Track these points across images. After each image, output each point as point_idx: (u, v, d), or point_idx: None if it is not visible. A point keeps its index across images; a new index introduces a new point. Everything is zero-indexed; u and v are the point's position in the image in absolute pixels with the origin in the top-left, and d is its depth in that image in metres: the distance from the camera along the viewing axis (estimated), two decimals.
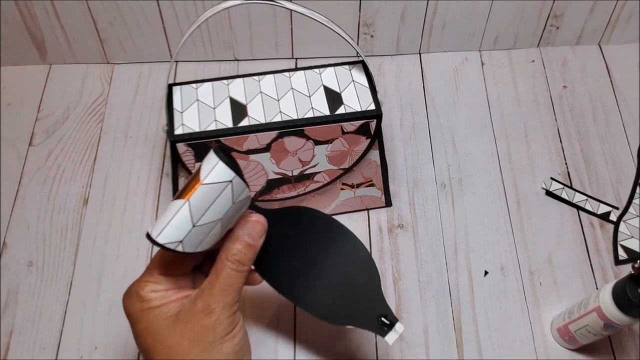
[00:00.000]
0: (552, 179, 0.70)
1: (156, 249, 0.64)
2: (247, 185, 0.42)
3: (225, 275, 0.43)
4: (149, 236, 0.41)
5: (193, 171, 0.42)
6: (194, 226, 0.41)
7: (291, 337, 0.60)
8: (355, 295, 0.48)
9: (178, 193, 0.42)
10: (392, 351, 0.59)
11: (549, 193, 0.69)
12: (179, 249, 0.41)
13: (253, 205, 0.46)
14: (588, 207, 0.68)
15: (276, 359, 0.59)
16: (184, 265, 0.45)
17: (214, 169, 0.41)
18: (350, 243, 0.48)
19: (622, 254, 0.65)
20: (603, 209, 0.68)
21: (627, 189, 0.70)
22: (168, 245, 0.41)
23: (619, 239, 0.66)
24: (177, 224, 0.41)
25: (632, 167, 0.71)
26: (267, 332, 0.60)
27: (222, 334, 0.43)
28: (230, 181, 0.41)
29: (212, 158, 0.41)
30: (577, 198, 0.68)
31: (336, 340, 0.60)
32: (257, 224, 0.45)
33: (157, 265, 0.44)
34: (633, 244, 0.66)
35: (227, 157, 0.41)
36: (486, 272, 0.64)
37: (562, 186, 0.69)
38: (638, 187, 0.69)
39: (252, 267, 0.47)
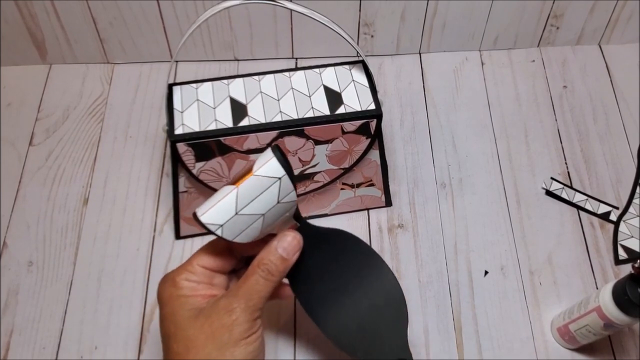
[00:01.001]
0: (552, 178, 0.70)
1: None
2: (295, 189, 0.43)
3: (253, 280, 0.44)
4: (194, 215, 0.43)
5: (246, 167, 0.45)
6: (236, 214, 0.42)
7: (291, 337, 0.60)
8: (379, 332, 0.47)
9: (231, 180, 0.43)
10: None
11: (549, 193, 0.69)
12: (218, 232, 0.42)
13: (298, 216, 0.46)
14: (588, 207, 0.68)
15: (276, 359, 0.59)
16: (223, 263, 0.46)
17: (267, 163, 0.42)
18: (385, 279, 0.48)
19: (622, 254, 0.65)
20: (603, 208, 0.68)
21: (627, 189, 0.70)
22: (209, 226, 0.42)
23: (619, 238, 0.66)
24: (221, 208, 0.42)
25: (632, 167, 0.71)
26: (267, 332, 0.60)
27: (238, 336, 0.43)
28: (279, 178, 0.42)
29: (267, 154, 0.43)
30: (577, 198, 0.68)
31: None
32: (293, 240, 0.46)
33: (198, 257, 0.46)
34: (633, 244, 0.66)
35: (283, 157, 0.43)
36: (486, 272, 0.64)
37: (562, 186, 0.69)
38: (638, 187, 0.69)
39: (286, 281, 0.47)
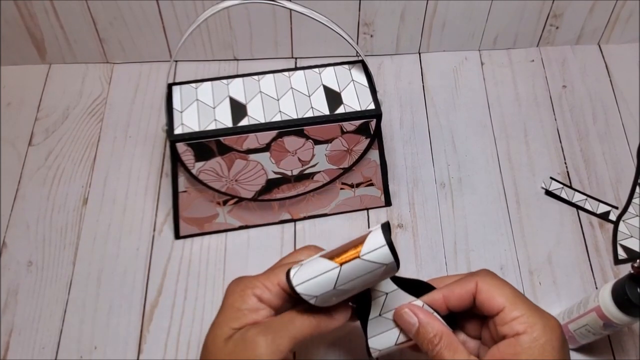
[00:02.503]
0: (551, 178, 0.70)
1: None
2: (398, 267, 0.42)
3: (288, 317, 0.43)
4: (289, 279, 0.42)
5: (354, 240, 0.43)
6: (334, 288, 0.42)
7: None
8: None
9: (333, 251, 0.42)
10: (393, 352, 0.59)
11: (548, 193, 0.69)
12: (312, 301, 0.42)
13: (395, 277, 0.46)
14: (587, 206, 0.68)
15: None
16: None
17: (377, 250, 0.41)
18: None
19: (622, 254, 0.65)
20: (602, 208, 0.68)
21: (627, 189, 0.70)
22: (304, 297, 0.42)
23: (618, 238, 0.66)
24: (320, 283, 0.41)
25: (632, 167, 0.71)
26: None
27: None
28: (387, 264, 0.41)
29: (378, 237, 0.41)
30: (577, 197, 0.68)
31: (337, 340, 0.60)
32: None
33: (279, 275, 0.44)
34: (633, 244, 0.66)
35: (389, 236, 0.41)
36: None
37: (561, 186, 0.69)
38: (637, 187, 0.69)
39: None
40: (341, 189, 0.65)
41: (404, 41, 0.78)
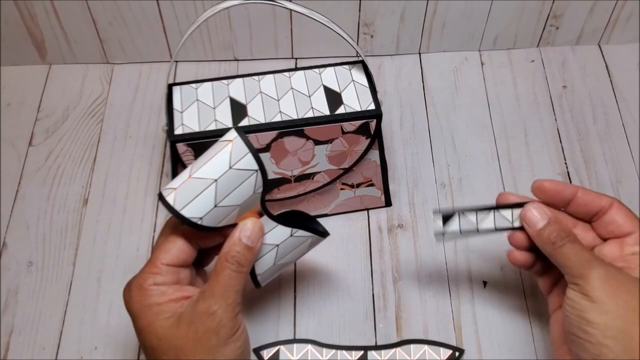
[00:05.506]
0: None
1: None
2: (264, 174, 0.45)
3: (226, 276, 0.44)
4: (171, 207, 0.43)
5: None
6: (215, 206, 0.43)
7: (291, 334, 0.60)
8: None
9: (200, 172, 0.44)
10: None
11: None
12: (199, 222, 0.44)
13: (262, 204, 0.47)
14: None
15: None
16: (186, 256, 0.46)
17: (244, 157, 0.43)
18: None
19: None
20: None
21: (627, 189, 0.69)
22: (191, 220, 0.43)
23: None
24: (201, 202, 0.43)
25: (632, 167, 0.71)
26: (268, 329, 0.60)
27: (225, 337, 0.43)
28: (256, 171, 0.44)
29: (241, 147, 0.43)
30: None
31: (336, 337, 0.60)
32: (255, 225, 0.46)
33: (160, 255, 0.45)
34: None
35: (250, 143, 0.44)
36: (485, 282, 0.64)
37: None
38: None
39: None
40: (341, 189, 0.65)
41: (404, 41, 0.78)
